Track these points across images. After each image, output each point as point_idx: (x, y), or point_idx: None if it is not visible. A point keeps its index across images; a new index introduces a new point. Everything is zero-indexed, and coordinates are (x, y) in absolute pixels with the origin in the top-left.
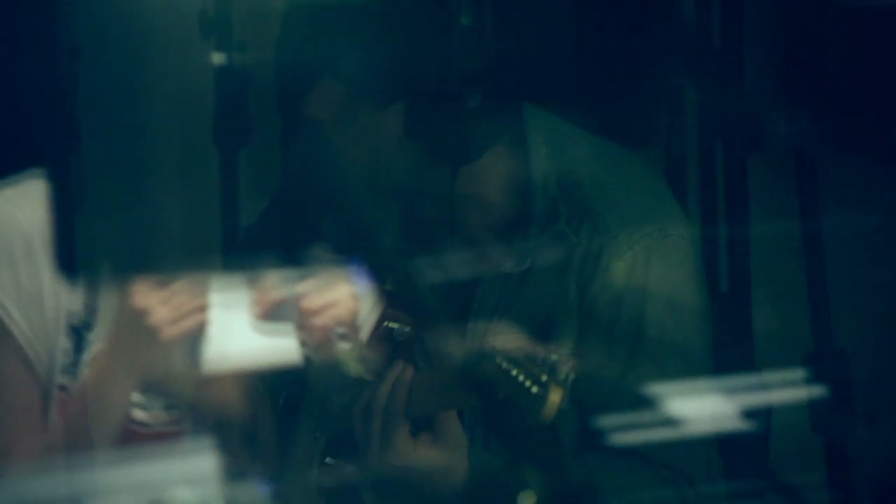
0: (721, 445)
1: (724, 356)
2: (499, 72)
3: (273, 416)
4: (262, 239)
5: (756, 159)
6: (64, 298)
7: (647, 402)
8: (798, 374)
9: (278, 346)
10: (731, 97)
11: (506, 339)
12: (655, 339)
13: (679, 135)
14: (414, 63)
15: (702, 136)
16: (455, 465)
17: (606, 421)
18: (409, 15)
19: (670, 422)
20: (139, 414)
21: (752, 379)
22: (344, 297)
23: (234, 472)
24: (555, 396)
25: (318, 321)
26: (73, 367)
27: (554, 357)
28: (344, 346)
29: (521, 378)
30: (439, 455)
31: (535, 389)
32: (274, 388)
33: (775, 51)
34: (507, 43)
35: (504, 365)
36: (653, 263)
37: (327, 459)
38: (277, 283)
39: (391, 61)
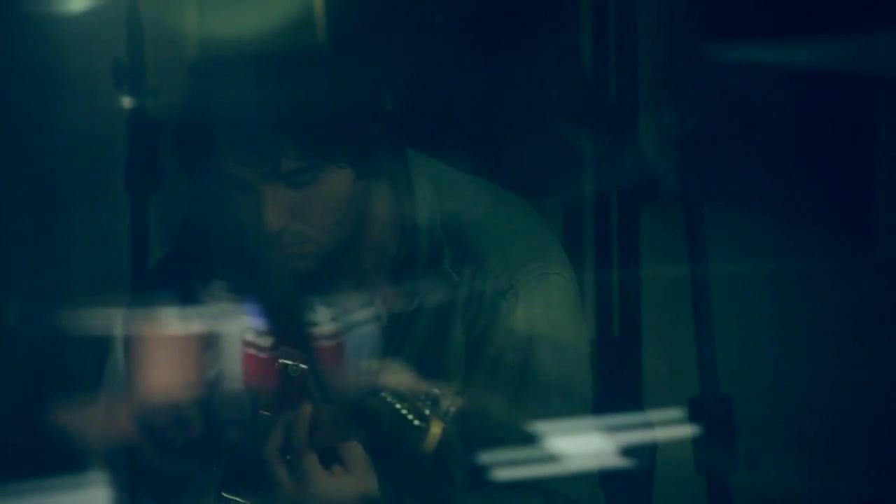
0: (605, 485)
1: (613, 398)
2: (399, 118)
3: (171, 450)
4: (164, 279)
5: (648, 209)
6: None
7: (533, 439)
8: (684, 416)
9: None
10: (626, 150)
11: (393, 376)
12: (538, 376)
13: (576, 185)
14: (332, 118)
15: (598, 186)
16: (366, 493)
17: (493, 456)
18: (317, 69)
19: (556, 458)
20: None
21: (639, 420)
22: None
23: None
24: (436, 429)
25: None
26: None
27: (436, 392)
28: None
29: (404, 412)
30: (350, 483)
31: (417, 422)
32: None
33: (668, 106)
34: (409, 90)
35: (389, 399)
36: (534, 302)
37: (223, 493)
38: None
39: (311, 119)
